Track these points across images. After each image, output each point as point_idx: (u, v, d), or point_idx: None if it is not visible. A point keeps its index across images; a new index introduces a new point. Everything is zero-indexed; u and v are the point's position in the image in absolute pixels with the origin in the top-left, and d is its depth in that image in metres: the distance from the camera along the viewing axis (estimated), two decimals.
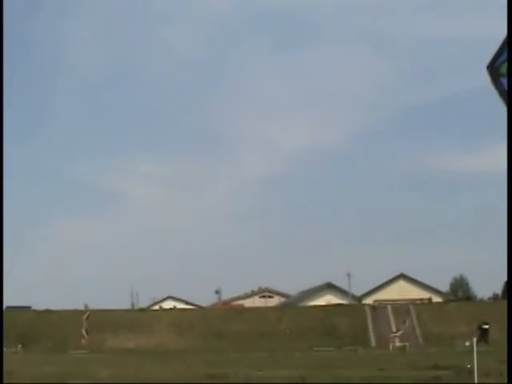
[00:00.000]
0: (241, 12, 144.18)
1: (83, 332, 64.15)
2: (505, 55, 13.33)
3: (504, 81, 12.94)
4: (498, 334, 51.16)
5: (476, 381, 17.08)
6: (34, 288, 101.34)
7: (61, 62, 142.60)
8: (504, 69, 13.14)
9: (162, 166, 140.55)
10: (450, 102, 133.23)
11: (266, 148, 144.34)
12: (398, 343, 57.50)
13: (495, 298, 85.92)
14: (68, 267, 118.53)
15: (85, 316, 65.80)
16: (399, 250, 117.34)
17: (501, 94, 13.23)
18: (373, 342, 62.12)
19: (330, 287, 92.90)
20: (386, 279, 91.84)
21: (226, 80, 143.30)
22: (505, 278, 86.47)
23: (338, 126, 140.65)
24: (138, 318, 69.33)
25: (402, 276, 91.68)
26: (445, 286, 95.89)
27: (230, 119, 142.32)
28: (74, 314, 69.82)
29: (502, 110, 13.00)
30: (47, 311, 71.39)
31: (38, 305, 77.91)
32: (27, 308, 79.12)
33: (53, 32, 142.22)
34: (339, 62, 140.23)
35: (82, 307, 71.90)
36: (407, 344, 56.83)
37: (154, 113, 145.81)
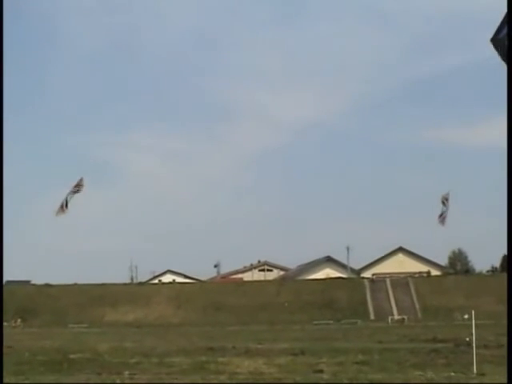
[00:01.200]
0: None
1: (63, 203, 55.65)
2: (508, 28, 12.98)
3: None
4: (496, 306, 51.37)
5: (475, 353, 17.09)
6: (33, 262, 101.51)
7: (60, 32, 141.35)
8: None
9: (162, 139, 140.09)
10: (447, 76, 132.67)
11: (266, 121, 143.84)
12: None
13: (494, 271, 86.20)
14: (67, 241, 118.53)
15: (76, 188, 55.79)
16: (398, 224, 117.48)
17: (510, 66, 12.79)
18: (372, 315, 62.40)
19: (329, 261, 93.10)
20: (384, 253, 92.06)
21: (227, 53, 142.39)
22: (503, 251, 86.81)
23: (337, 99, 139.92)
24: (137, 292, 69.57)
25: (401, 249, 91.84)
26: (444, 260, 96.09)
27: (230, 92, 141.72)
28: (74, 288, 70.10)
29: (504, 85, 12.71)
30: (47, 285, 71.62)
31: (38, 279, 78.14)
32: (27, 282, 79.39)
33: (52, 2, 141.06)
34: (338, 36, 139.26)
35: (81, 281, 72.10)
36: (406, 317, 57.13)
37: (152, 85, 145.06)
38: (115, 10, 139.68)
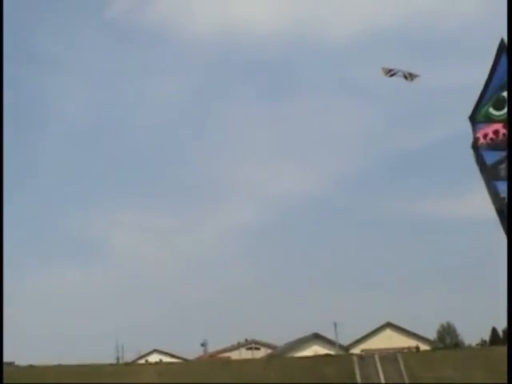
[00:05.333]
0: (227, 63, 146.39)
1: None
2: (482, 105, 13.56)
3: (476, 126, 13.00)
4: (487, 379, 51.00)
5: None
6: (16, 342, 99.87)
7: (49, 112, 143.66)
8: (480, 117, 13.31)
9: (147, 215, 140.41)
10: (434, 148, 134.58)
11: (253, 195, 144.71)
12: None
13: (483, 344, 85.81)
14: (51, 320, 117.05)
15: None
16: (385, 298, 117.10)
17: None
18: None
19: (316, 337, 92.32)
20: (372, 328, 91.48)
21: (213, 128, 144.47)
22: (492, 323, 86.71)
23: (323, 172, 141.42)
24: (124, 372, 68.39)
25: (389, 325, 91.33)
26: (432, 334, 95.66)
27: (217, 167, 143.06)
28: (58, 369, 68.81)
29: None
30: (30, 366, 70.27)
31: (21, 360, 76.71)
32: (10, 364, 77.84)
33: (41, 83, 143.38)
34: (324, 110, 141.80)
35: (66, 362, 70.81)
36: None
37: (139, 162, 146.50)
38: (104, 89, 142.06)
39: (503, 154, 12.21)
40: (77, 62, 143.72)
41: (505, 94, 13.43)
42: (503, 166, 12.06)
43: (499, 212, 12.25)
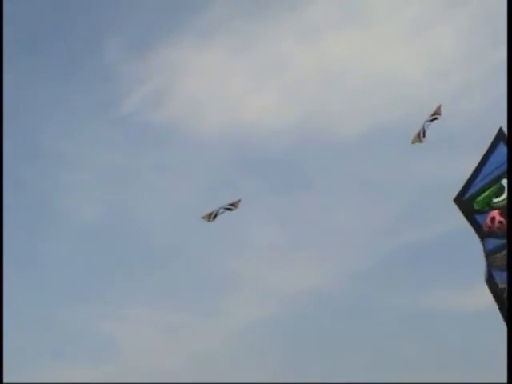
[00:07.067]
0: (237, 160, 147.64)
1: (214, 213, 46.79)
2: (473, 189, 13.27)
3: (479, 217, 12.67)
4: None
5: None
6: None
7: (57, 208, 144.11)
8: (478, 205, 12.97)
9: (157, 312, 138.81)
10: (439, 241, 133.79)
11: (264, 291, 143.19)
12: None
13: None
14: None
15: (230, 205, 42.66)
16: None
17: (474, 228, 12.88)
18: None
19: None
20: None
21: (223, 224, 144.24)
22: None
23: (331, 267, 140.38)
24: None
25: None
26: None
27: (227, 263, 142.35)
28: None
29: (478, 244, 12.73)
30: None
31: None
32: None
33: (47, 180, 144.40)
34: (333, 205, 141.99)
35: None
36: None
37: (147, 258, 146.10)
38: (114, 186, 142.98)
39: (499, 242, 11.81)
40: (85, 159, 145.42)
41: (504, 181, 13.13)
42: (500, 255, 11.66)
43: (498, 302, 11.79)
